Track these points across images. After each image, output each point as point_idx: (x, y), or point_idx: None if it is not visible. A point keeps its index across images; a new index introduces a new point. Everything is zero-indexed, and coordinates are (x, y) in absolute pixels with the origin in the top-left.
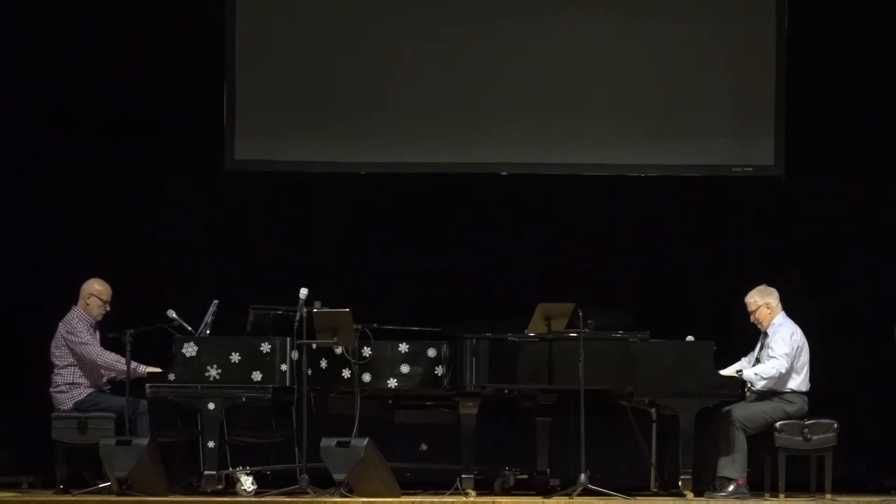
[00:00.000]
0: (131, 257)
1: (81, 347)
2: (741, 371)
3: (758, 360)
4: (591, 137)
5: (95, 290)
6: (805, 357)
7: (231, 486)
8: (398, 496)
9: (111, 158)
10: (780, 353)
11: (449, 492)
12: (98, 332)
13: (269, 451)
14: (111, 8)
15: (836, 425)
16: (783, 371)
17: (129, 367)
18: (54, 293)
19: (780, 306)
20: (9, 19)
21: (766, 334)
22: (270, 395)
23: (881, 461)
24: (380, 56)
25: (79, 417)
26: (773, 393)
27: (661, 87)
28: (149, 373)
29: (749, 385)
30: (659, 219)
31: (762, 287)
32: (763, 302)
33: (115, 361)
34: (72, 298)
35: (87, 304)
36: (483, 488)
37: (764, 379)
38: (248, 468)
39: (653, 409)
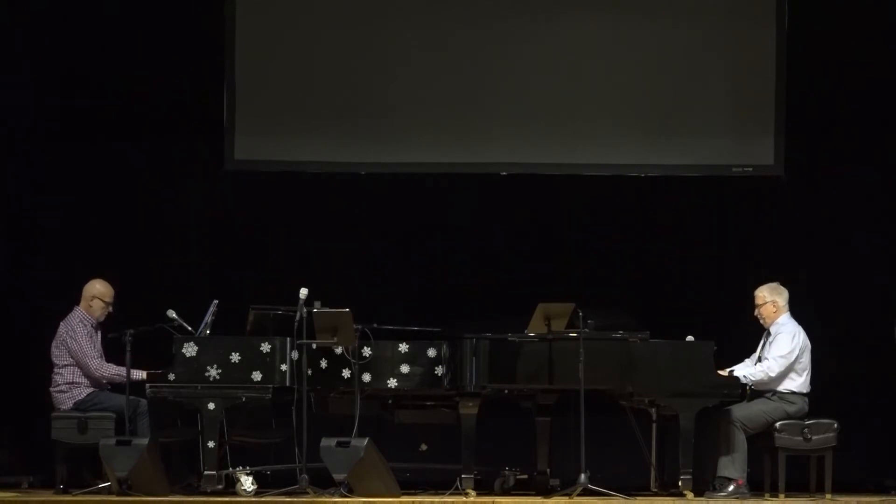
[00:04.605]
0: (131, 257)
1: (82, 358)
2: (733, 370)
3: (759, 359)
4: (591, 137)
5: (98, 292)
6: (807, 359)
7: (231, 486)
8: (398, 496)
9: (111, 158)
10: (775, 355)
11: (449, 492)
12: (100, 333)
13: (269, 451)
14: (111, 7)
15: (836, 425)
16: (773, 375)
17: (128, 368)
18: (54, 293)
19: (787, 307)
20: (9, 19)
21: (769, 333)
22: (270, 395)
23: (881, 461)
24: (380, 56)
25: (79, 417)
26: (773, 393)
27: (661, 88)
28: (149, 373)
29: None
30: (659, 219)
31: (774, 284)
32: (771, 299)
33: (114, 375)
34: (72, 298)
35: (91, 306)
36: (483, 488)
37: (752, 381)
38: (248, 468)
39: (653, 409)
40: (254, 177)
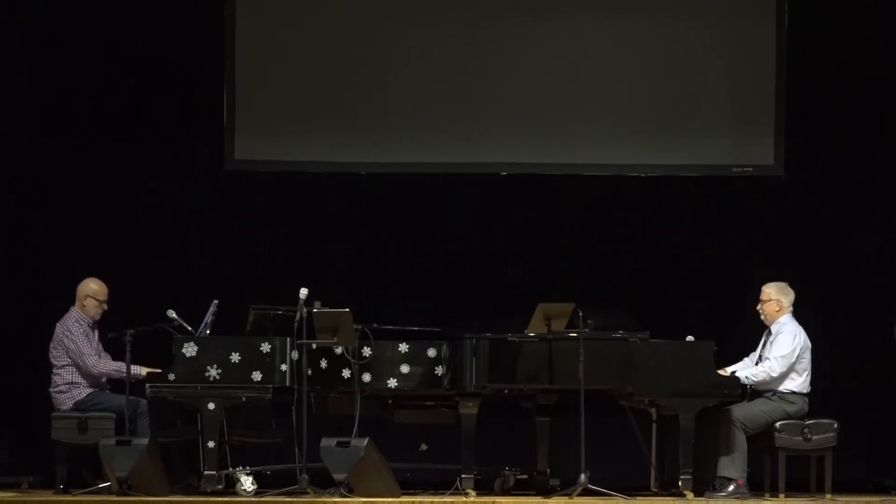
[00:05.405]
0: (131, 257)
1: (80, 358)
2: (735, 371)
3: (760, 358)
4: (591, 137)
5: (91, 291)
6: (807, 359)
7: (231, 486)
8: (398, 496)
9: (111, 158)
10: (776, 355)
11: (449, 492)
12: (97, 332)
13: (269, 451)
14: (111, 8)
15: (836, 425)
16: (774, 375)
17: (128, 368)
18: (54, 293)
19: (790, 308)
20: (9, 19)
21: (769, 332)
22: (270, 395)
23: (881, 461)
24: (380, 56)
25: (79, 417)
26: (773, 393)
27: (661, 88)
28: (148, 373)
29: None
30: (659, 219)
31: (783, 284)
32: (776, 297)
33: (113, 371)
34: (71, 299)
35: (84, 306)
36: (483, 488)
37: (754, 381)
38: (248, 468)
39: (653, 409)
40: (254, 177)
